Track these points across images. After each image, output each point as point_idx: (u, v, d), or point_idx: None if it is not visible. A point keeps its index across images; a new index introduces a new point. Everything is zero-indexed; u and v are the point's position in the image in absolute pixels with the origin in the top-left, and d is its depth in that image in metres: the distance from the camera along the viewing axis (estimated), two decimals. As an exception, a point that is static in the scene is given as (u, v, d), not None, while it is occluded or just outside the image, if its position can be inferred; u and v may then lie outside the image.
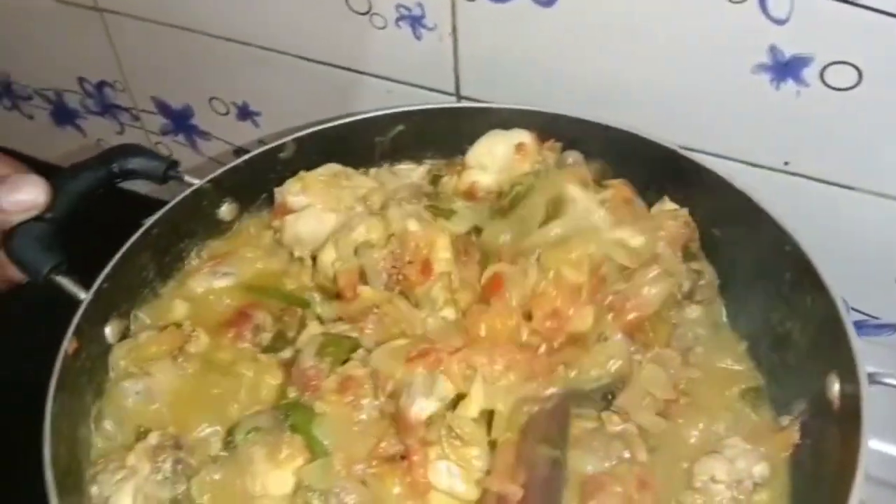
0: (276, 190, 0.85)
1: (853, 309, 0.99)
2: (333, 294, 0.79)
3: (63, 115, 1.45)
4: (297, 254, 0.83)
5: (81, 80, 1.36)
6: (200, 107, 1.28)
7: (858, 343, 0.62)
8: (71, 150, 1.49)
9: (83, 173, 0.78)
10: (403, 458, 0.66)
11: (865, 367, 0.61)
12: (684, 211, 0.80)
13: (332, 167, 0.87)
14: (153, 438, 0.68)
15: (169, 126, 1.34)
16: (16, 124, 1.51)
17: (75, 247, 0.75)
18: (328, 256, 0.79)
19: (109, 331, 0.76)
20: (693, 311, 0.80)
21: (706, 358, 0.77)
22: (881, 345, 0.99)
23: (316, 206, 0.83)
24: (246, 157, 0.84)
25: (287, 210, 0.84)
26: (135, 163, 0.80)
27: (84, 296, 0.72)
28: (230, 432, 0.71)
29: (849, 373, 0.62)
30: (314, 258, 0.82)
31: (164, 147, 1.39)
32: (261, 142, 1.27)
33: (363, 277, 0.77)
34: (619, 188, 0.80)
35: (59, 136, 1.49)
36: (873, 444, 0.78)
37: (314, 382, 0.70)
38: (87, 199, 0.78)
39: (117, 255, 0.75)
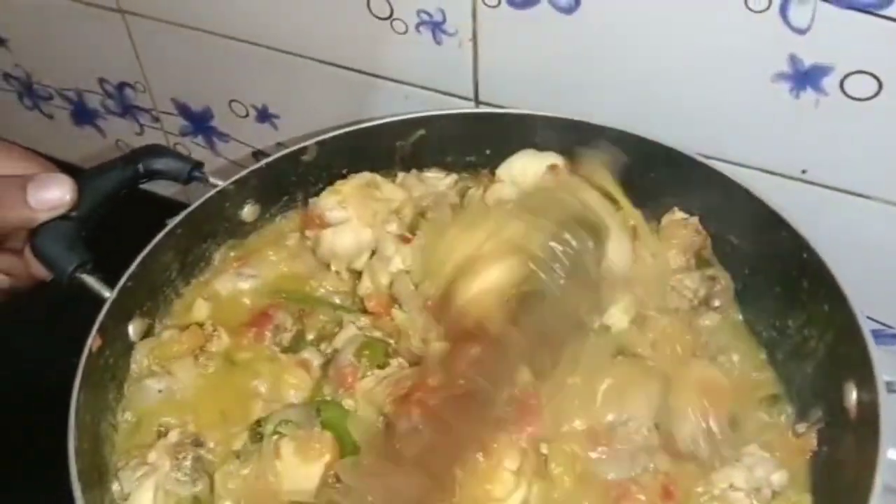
0: (312, 202, 0.86)
1: (869, 318, 0.99)
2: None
3: (83, 115, 1.46)
4: (333, 268, 0.85)
5: (102, 81, 1.38)
6: (220, 109, 1.29)
7: (876, 351, 0.63)
8: (90, 150, 1.51)
9: (109, 173, 0.79)
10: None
11: (883, 375, 0.61)
12: (694, 219, 0.81)
13: (364, 176, 0.87)
14: (173, 436, 0.69)
15: (188, 128, 1.36)
16: (36, 124, 1.53)
17: (100, 246, 0.76)
18: (363, 286, 0.80)
19: (133, 329, 0.77)
20: (711, 319, 0.80)
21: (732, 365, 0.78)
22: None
23: (353, 221, 0.84)
24: (269, 159, 0.85)
25: (324, 223, 0.84)
26: (160, 163, 0.81)
27: (108, 294, 0.73)
28: (259, 423, 0.71)
29: (866, 381, 0.62)
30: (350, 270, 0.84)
31: (183, 148, 1.40)
32: (279, 144, 1.28)
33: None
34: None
35: (79, 137, 1.50)
36: (891, 454, 0.79)
37: (350, 380, 0.72)
38: (112, 198, 0.79)
39: (142, 254, 0.76)
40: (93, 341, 0.70)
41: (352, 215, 0.82)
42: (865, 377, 0.63)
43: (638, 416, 0.69)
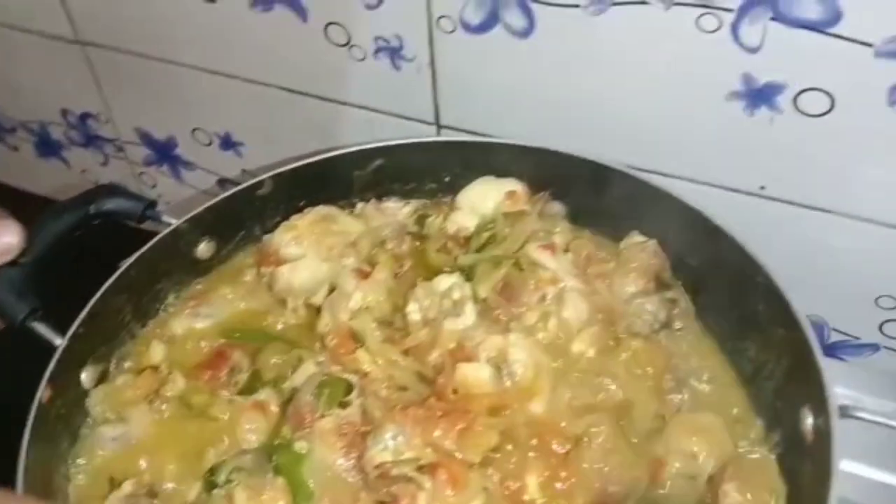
0: (266, 238, 0.85)
1: (834, 329, 1.00)
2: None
3: (47, 147, 1.45)
4: (290, 304, 0.84)
5: (65, 112, 1.37)
6: (184, 137, 1.28)
7: (828, 377, 0.62)
8: (56, 181, 1.49)
9: (60, 216, 0.78)
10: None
11: (836, 401, 0.61)
12: (652, 242, 0.81)
13: (320, 210, 0.87)
14: (127, 486, 0.68)
15: (153, 157, 1.35)
16: (1, 156, 1.52)
17: (52, 288, 0.75)
18: (323, 323, 0.79)
19: (86, 376, 0.76)
20: (674, 341, 0.80)
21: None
22: (863, 367, 0.99)
23: (309, 256, 0.83)
24: (223, 195, 0.85)
25: (279, 260, 0.84)
26: (112, 203, 0.80)
27: (59, 341, 0.72)
28: (212, 472, 0.71)
29: (820, 406, 0.62)
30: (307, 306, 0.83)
31: (149, 177, 1.39)
32: (245, 172, 1.27)
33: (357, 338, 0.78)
34: (580, 248, 0.82)
35: (44, 168, 1.49)
36: (855, 469, 0.79)
37: (308, 419, 0.71)
38: (64, 241, 0.78)
39: (93, 300, 0.75)
40: (42, 392, 0.69)
41: (307, 251, 0.82)
42: (819, 402, 0.62)
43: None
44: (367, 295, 0.80)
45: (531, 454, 0.70)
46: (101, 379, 0.77)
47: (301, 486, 0.67)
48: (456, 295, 0.79)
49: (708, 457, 0.69)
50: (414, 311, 0.79)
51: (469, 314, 0.78)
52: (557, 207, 0.88)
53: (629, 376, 0.76)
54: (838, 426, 0.60)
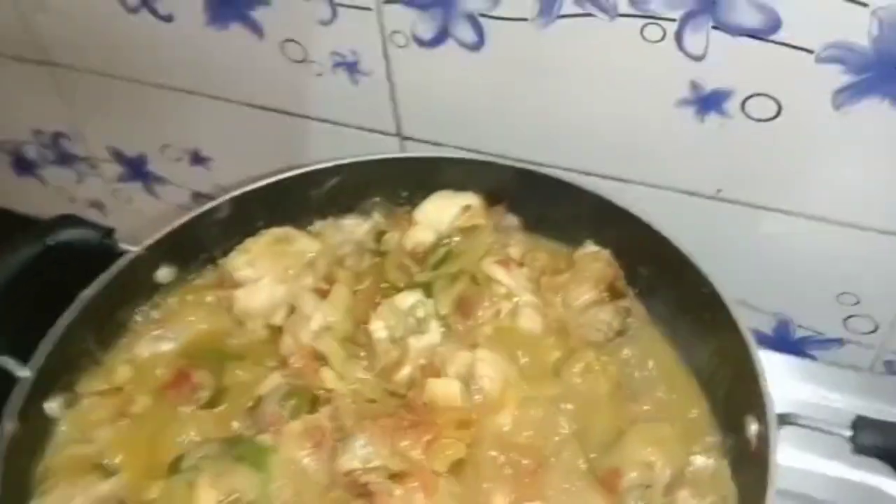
0: (221, 262, 0.86)
1: (800, 326, 1.01)
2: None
3: (23, 165, 1.46)
4: (249, 326, 0.85)
5: (37, 132, 1.37)
6: (154, 154, 1.29)
7: (768, 385, 0.64)
8: (34, 199, 1.50)
9: (17, 250, 0.79)
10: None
11: (775, 409, 0.62)
12: (606, 252, 0.82)
13: (275, 232, 0.87)
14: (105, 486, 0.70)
15: (126, 174, 1.35)
16: (-23, 176, 1.53)
17: (14, 320, 0.76)
18: (285, 346, 0.80)
19: (51, 406, 0.76)
20: (629, 349, 0.81)
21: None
22: (834, 365, 1.00)
23: (265, 279, 0.84)
24: (181, 220, 0.85)
25: (234, 284, 0.84)
26: (69, 234, 0.81)
27: (23, 374, 0.73)
28: (178, 459, 0.72)
29: (761, 414, 0.63)
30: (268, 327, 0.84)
31: (123, 193, 1.40)
32: (217, 186, 1.28)
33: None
34: (535, 260, 0.83)
35: (22, 186, 1.50)
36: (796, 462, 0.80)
37: (274, 427, 0.72)
38: (22, 275, 0.79)
39: (53, 332, 0.75)
40: (7, 425, 0.70)
41: (263, 273, 0.83)
42: (760, 410, 0.64)
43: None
44: (328, 315, 0.81)
45: (500, 467, 0.72)
46: (69, 405, 0.78)
47: (265, 472, 0.69)
48: (420, 313, 0.80)
49: (664, 467, 0.70)
50: (379, 329, 0.79)
51: (434, 331, 0.79)
52: (512, 220, 0.89)
53: (585, 388, 0.77)
54: (776, 435, 0.61)
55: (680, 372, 0.79)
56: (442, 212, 0.88)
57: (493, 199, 0.89)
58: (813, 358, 1.03)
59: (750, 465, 0.65)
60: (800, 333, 1.02)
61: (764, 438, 0.63)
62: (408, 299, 0.81)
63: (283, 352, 0.81)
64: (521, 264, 0.83)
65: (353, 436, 0.71)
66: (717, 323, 0.72)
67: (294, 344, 0.80)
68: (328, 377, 0.78)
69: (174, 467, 0.72)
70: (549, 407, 0.75)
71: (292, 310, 0.83)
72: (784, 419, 0.63)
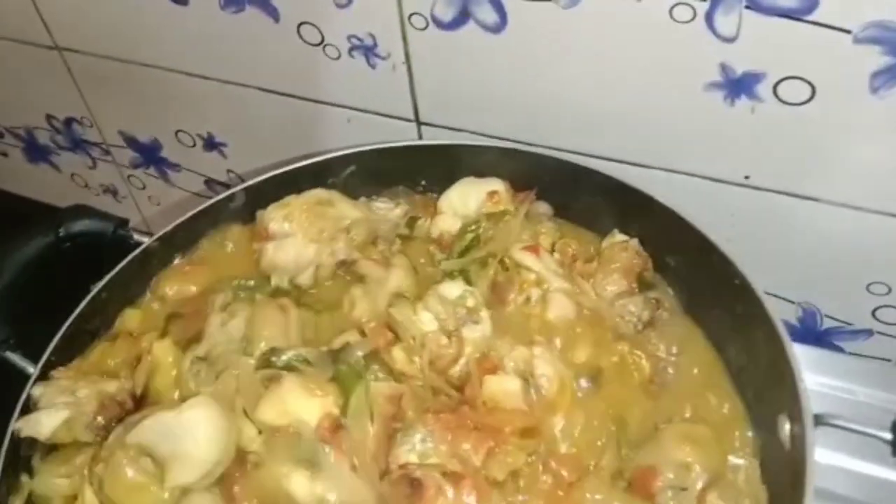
0: (259, 213, 0.84)
1: (827, 316, 0.98)
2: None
3: (36, 151, 1.45)
4: (274, 281, 0.83)
5: (49, 118, 1.36)
6: (167, 140, 1.27)
7: (804, 384, 0.61)
8: (47, 185, 1.49)
9: (29, 241, 0.77)
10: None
11: (812, 409, 0.60)
12: (634, 241, 0.80)
13: (318, 193, 0.85)
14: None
15: (139, 159, 1.34)
16: (-9, 163, 1.52)
17: (24, 314, 0.75)
18: (360, 311, 0.79)
19: (62, 402, 0.75)
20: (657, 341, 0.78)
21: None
22: (861, 359, 0.98)
23: (297, 237, 0.82)
24: (194, 210, 0.83)
25: (268, 236, 0.83)
26: (81, 225, 0.80)
27: (32, 370, 0.71)
28: (273, 352, 0.72)
29: (796, 414, 0.61)
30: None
31: (137, 180, 1.39)
32: (230, 172, 1.27)
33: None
34: (566, 246, 0.81)
35: (35, 172, 1.49)
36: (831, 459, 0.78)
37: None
38: (34, 266, 0.77)
39: (64, 326, 0.74)
40: (17, 422, 0.68)
41: (296, 230, 0.81)
42: (796, 410, 0.61)
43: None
44: (402, 281, 0.79)
45: (538, 477, 0.69)
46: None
47: (353, 400, 0.67)
48: (470, 303, 0.77)
49: (702, 470, 0.67)
50: (429, 321, 0.76)
51: (486, 322, 0.76)
52: (544, 207, 0.87)
53: (618, 383, 0.75)
54: (813, 436, 0.59)
55: (712, 366, 0.77)
56: (467, 199, 0.85)
57: (518, 185, 0.87)
58: (840, 349, 1.00)
59: (783, 466, 0.62)
60: (827, 324, 0.99)
61: (800, 439, 0.60)
62: (453, 289, 0.78)
63: (357, 317, 0.78)
64: (551, 251, 0.80)
65: (414, 427, 0.68)
66: (749, 316, 0.69)
67: (370, 310, 0.78)
68: (400, 357, 0.74)
69: (266, 358, 0.71)
70: (593, 410, 0.72)
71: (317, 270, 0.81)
72: (820, 420, 0.60)
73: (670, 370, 0.77)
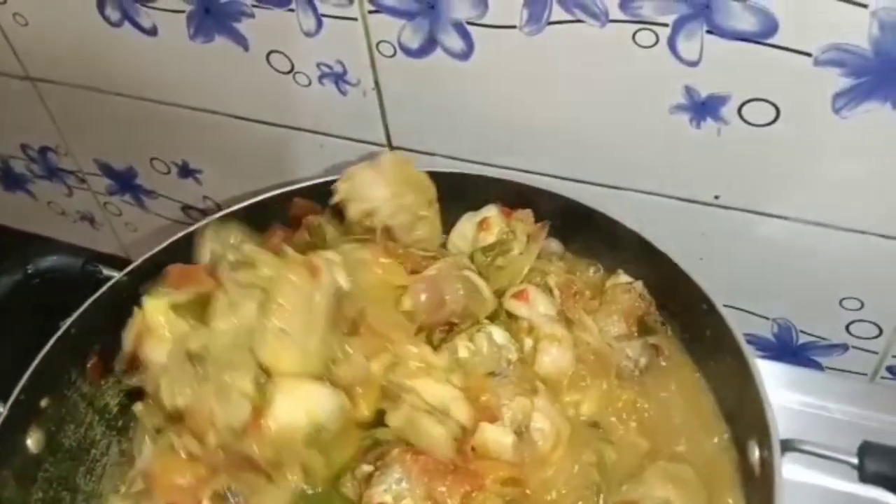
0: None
1: (802, 332, 0.98)
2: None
3: (11, 180, 1.44)
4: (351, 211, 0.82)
5: (24, 147, 1.36)
6: (143, 167, 1.27)
7: (772, 410, 0.61)
8: (24, 213, 1.49)
9: (-1, 279, 0.77)
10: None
11: (779, 435, 0.60)
12: (638, 283, 0.79)
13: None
14: None
15: (114, 187, 1.34)
16: (-33, 192, 1.51)
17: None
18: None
19: (32, 441, 0.74)
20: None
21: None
22: (837, 375, 0.98)
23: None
24: (165, 243, 0.83)
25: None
26: (49, 261, 0.79)
27: (1, 409, 0.71)
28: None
29: (765, 440, 0.61)
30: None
31: (114, 207, 1.38)
32: (206, 198, 1.26)
33: None
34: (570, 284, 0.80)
35: (12, 201, 1.48)
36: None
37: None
38: (3, 303, 0.77)
39: (34, 363, 0.73)
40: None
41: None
42: (764, 435, 0.61)
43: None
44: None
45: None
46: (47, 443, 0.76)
47: None
48: (512, 356, 0.76)
49: None
50: (463, 349, 0.75)
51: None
52: (554, 245, 0.86)
53: (620, 426, 0.75)
54: (780, 462, 0.59)
55: (703, 399, 0.76)
56: (465, 233, 0.86)
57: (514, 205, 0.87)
58: (816, 364, 1.01)
59: (755, 489, 0.62)
60: (802, 339, 0.99)
61: (768, 465, 0.60)
62: (502, 336, 0.77)
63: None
64: (551, 291, 0.80)
65: (392, 467, 0.66)
66: (720, 342, 0.69)
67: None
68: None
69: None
70: (584, 461, 0.71)
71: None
72: (788, 445, 0.61)
73: (660, 410, 0.76)
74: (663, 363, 0.78)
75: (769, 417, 0.61)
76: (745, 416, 0.67)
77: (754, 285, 0.95)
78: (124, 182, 1.31)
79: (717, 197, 0.89)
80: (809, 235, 0.87)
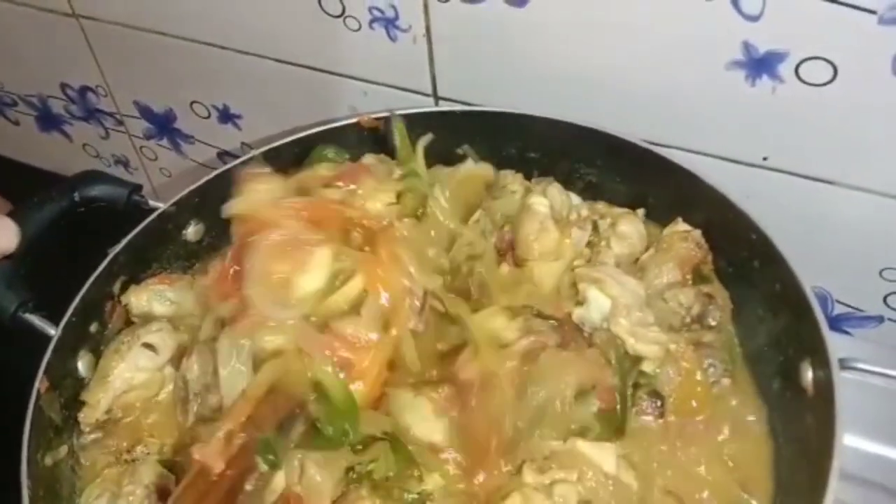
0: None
1: (838, 302, 0.98)
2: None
3: (48, 120, 1.45)
4: None
5: (64, 86, 1.36)
6: (182, 111, 1.27)
7: (826, 328, 0.62)
8: (58, 154, 1.49)
9: (45, 205, 0.77)
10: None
11: (836, 353, 0.60)
12: (697, 232, 0.78)
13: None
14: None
15: (152, 130, 1.34)
16: (2, 130, 1.51)
17: (43, 277, 0.75)
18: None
19: (82, 364, 0.75)
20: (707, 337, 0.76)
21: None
22: (868, 340, 0.98)
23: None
24: (210, 175, 0.83)
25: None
26: (96, 190, 0.80)
27: (53, 332, 0.72)
28: None
29: (820, 359, 0.61)
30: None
31: (150, 151, 1.38)
32: (244, 145, 1.26)
33: None
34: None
35: (46, 142, 1.49)
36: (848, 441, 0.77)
37: None
38: (50, 230, 0.77)
39: (84, 288, 0.74)
40: (40, 384, 0.69)
41: None
42: (819, 355, 0.62)
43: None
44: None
45: None
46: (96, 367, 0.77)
47: None
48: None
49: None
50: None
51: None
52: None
53: None
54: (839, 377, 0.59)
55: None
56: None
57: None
58: (849, 335, 1.00)
59: (808, 413, 0.63)
60: (838, 310, 0.99)
61: (824, 382, 0.61)
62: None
63: None
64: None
65: None
66: (768, 269, 0.70)
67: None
68: None
69: None
70: None
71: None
72: (844, 363, 0.61)
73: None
74: (711, 322, 0.76)
75: (825, 334, 0.62)
76: (796, 339, 0.67)
77: (793, 251, 0.93)
78: (162, 125, 1.31)
79: (765, 158, 0.88)
80: (856, 202, 0.86)
